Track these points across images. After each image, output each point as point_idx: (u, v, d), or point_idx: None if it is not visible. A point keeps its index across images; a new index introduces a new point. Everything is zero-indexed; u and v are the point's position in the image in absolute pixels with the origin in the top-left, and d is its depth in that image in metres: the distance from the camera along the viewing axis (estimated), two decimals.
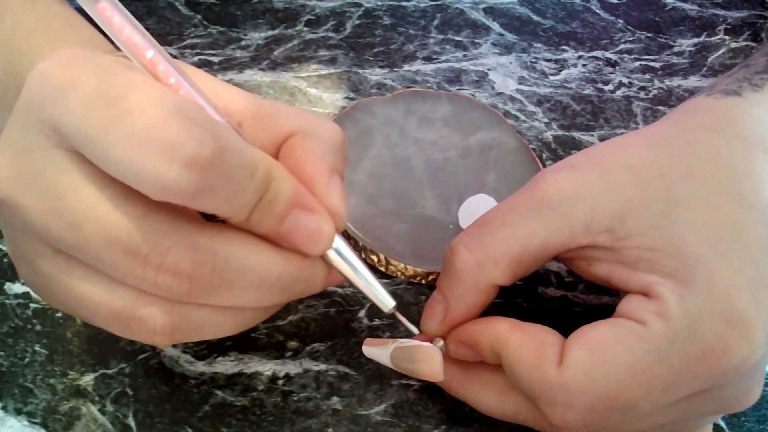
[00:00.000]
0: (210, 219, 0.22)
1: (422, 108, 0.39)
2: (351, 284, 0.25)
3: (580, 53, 0.44)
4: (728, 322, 0.23)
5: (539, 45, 0.44)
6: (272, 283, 0.22)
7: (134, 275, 0.20)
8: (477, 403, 0.29)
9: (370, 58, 0.42)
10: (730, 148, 0.26)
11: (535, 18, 0.45)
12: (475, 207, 0.35)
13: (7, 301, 0.32)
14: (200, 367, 0.31)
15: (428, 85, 0.41)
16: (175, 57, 0.41)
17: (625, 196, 0.25)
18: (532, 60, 0.43)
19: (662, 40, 0.45)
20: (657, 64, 0.44)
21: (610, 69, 0.43)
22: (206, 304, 0.22)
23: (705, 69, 0.44)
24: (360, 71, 0.42)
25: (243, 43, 0.42)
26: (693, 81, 0.43)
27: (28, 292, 0.32)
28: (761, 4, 0.48)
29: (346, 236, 0.35)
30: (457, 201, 0.36)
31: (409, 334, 0.28)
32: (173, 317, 0.22)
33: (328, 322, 0.33)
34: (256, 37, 0.42)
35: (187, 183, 0.19)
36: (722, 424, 0.32)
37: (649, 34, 0.45)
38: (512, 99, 0.41)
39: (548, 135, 0.40)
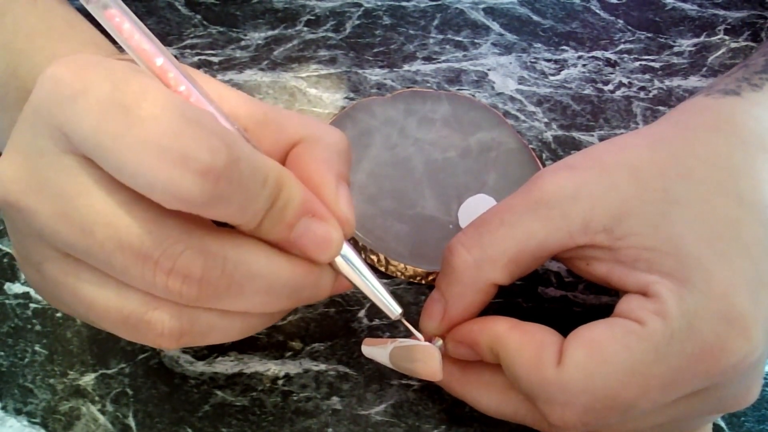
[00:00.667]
0: (219, 224, 0.22)
1: (422, 108, 0.39)
2: (358, 290, 0.25)
3: (580, 53, 0.44)
4: (727, 322, 0.23)
5: (539, 45, 0.44)
6: (280, 289, 0.22)
7: (144, 279, 0.21)
8: (476, 403, 0.29)
9: (370, 58, 0.42)
10: (729, 148, 0.26)
11: (535, 18, 0.45)
12: (475, 207, 0.35)
13: (7, 301, 0.32)
14: (200, 367, 0.31)
15: (428, 85, 0.41)
16: (174, 57, 0.41)
17: (624, 196, 0.25)
18: (532, 60, 0.43)
19: (662, 40, 0.45)
20: (657, 64, 0.44)
21: (610, 69, 0.43)
22: (214, 308, 0.22)
23: (705, 69, 0.44)
24: (360, 71, 0.42)
25: (243, 43, 0.42)
26: (693, 81, 0.43)
27: (28, 292, 0.33)
28: (761, 4, 0.48)
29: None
30: (457, 201, 0.36)
31: (408, 335, 0.29)
32: (181, 321, 0.22)
33: (328, 322, 0.33)
34: (256, 37, 0.42)
35: (200, 192, 0.19)
36: (722, 424, 0.32)
37: (649, 34, 0.45)
38: (512, 99, 0.41)
39: (548, 135, 0.40)
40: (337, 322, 0.33)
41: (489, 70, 0.42)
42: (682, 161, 0.26)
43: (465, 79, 0.42)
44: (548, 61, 0.43)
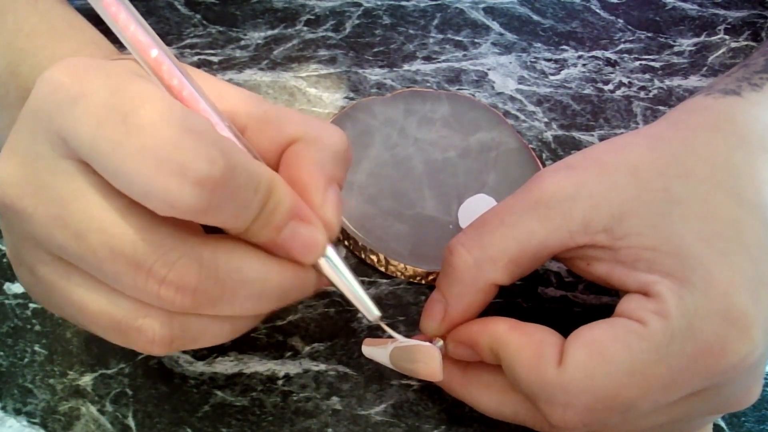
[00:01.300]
0: (207, 226, 0.22)
1: (422, 108, 0.39)
2: (338, 291, 0.25)
3: (580, 53, 0.44)
4: (727, 321, 0.23)
5: (539, 45, 0.44)
6: (270, 292, 0.23)
7: (137, 287, 0.21)
8: (476, 403, 0.29)
9: (370, 58, 0.42)
10: (729, 148, 0.26)
11: (535, 18, 0.45)
12: (475, 207, 0.35)
13: (7, 301, 0.32)
14: (200, 367, 0.31)
15: (428, 85, 0.41)
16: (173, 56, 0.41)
17: (624, 196, 0.25)
18: (532, 60, 0.43)
19: (662, 39, 0.45)
20: (657, 64, 0.44)
21: (610, 69, 0.43)
22: (205, 314, 0.22)
23: (705, 69, 0.44)
24: (360, 71, 0.42)
25: (242, 42, 0.42)
26: (693, 81, 0.43)
27: (27, 293, 0.32)
28: (761, 3, 0.48)
29: (346, 236, 0.35)
30: (457, 201, 0.36)
31: (383, 335, 0.28)
32: (172, 328, 0.22)
33: (328, 322, 0.33)
34: (256, 36, 0.42)
35: (196, 201, 0.19)
36: (722, 424, 0.32)
37: (649, 34, 0.45)
38: (512, 99, 0.41)
39: (548, 135, 0.40)
40: (337, 322, 0.33)
41: (489, 69, 0.42)
42: (682, 161, 0.26)
43: (465, 79, 0.42)
44: (548, 60, 0.43)
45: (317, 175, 0.24)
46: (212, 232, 0.22)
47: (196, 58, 0.41)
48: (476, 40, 0.44)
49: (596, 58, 0.44)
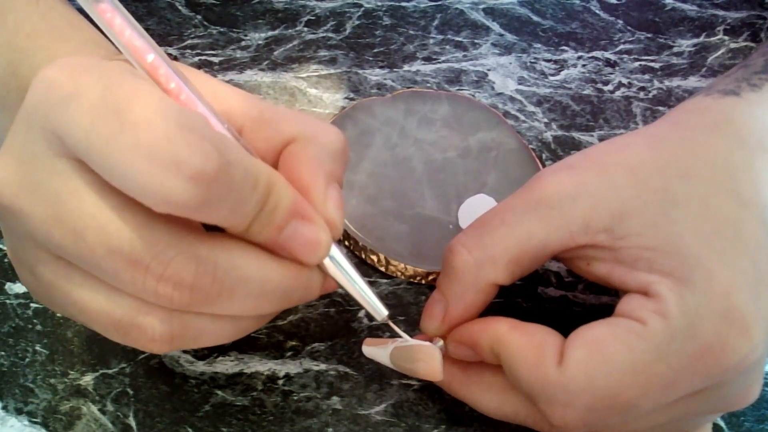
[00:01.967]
0: (208, 226, 0.22)
1: (422, 108, 0.39)
2: (345, 292, 0.25)
3: (580, 53, 0.44)
4: (727, 321, 0.23)
5: (539, 45, 0.44)
6: (271, 292, 0.22)
7: (135, 285, 0.21)
8: (476, 403, 0.29)
9: (370, 59, 0.42)
10: (729, 148, 0.27)
11: (535, 18, 0.46)
12: (475, 207, 0.35)
13: (8, 301, 0.32)
14: (200, 366, 0.31)
15: (428, 85, 0.41)
16: (175, 58, 0.41)
17: (624, 196, 0.25)
18: (532, 60, 0.43)
19: (662, 40, 0.45)
20: (656, 65, 0.44)
21: (609, 69, 0.43)
22: (205, 313, 0.22)
23: (704, 69, 0.44)
24: (360, 71, 0.42)
25: (243, 43, 0.42)
26: (692, 81, 0.43)
27: (28, 292, 0.33)
28: (761, 4, 0.48)
29: (346, 236, 0.35)
30: (457, 201, 0.36)
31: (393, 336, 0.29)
32: (172, 326, 0.22)
33: (328, 322, 0.33)
34: (256, 37, 0.43)
35: (191, 197, 0.19)
36: (722, 423, 0.32)
37: (649, 35, 0.45)
38: (512, 99, 0.41)
39: (548, 135, 0.40)
40: (337, 322, 0.33)
41: (489, 70, 0.43)
42: (682, 161, 0.26)
43: (465, 80, 0.42)
44: (548, 61, 0.43)
45: (317, 173, 0.24)
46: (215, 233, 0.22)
47: (197, 58, 0.41)
48: (476, 41, 0.44)
49: (596, 58, 0.44)
